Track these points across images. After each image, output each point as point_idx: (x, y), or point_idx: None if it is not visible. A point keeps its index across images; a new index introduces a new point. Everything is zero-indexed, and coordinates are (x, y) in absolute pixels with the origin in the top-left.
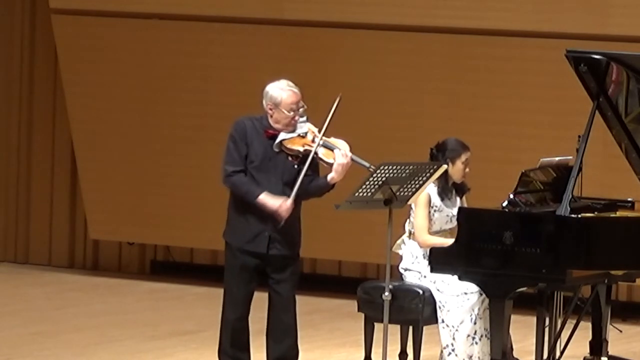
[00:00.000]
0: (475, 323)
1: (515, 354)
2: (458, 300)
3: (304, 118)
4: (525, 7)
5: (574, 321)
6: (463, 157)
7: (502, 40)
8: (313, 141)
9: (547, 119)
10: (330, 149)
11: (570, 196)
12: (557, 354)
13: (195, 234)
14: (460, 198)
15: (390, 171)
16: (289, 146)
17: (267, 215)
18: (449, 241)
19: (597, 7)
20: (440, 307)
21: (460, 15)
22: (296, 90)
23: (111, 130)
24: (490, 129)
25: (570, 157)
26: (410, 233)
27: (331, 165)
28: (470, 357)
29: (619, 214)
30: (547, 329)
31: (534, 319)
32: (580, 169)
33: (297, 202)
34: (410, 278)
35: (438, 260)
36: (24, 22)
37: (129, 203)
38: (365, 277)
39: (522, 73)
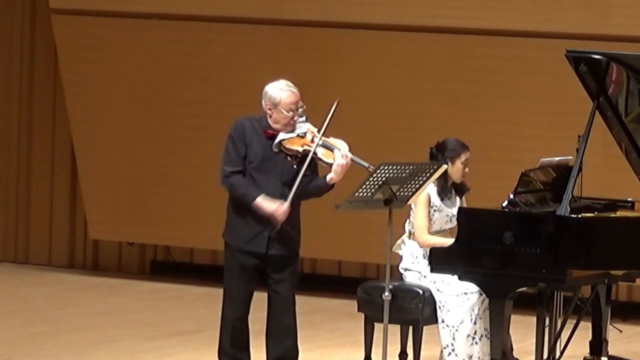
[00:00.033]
0: (475, 323)
1: (515, 354)
2: (458, 300)
3: (303, 118)
4: (525, 7)
5: (574, 321)
6: (463, 157)
7: (502, 40)
8: (312, 141)
9: (547, 119)
10: (330, 149)
11: (570, 196)
12: (557, 354)
13: (195, 234)
14: (460, 198)
15: (390, 171)
16: (288, 146)
17: (266, 216)
18: (449, 241)
19: (597, 7)
20: (440, 307)
21: (460, 15)
22: (295, 90)
23: (111, 130)
24: (490, 129)
25: (570, 157)
26: (410, 233)
27: (330, 165)
28: (470, 357)
29: (619, 214)
30: (547, 329)
31: (534, 319)
32: (580, 169)
33: (296, 202)
34: (410, 278)
35: (438, 260)
36: (24, 22)
37: (129, 203)
38: (365, 277)
39: (522, 73)
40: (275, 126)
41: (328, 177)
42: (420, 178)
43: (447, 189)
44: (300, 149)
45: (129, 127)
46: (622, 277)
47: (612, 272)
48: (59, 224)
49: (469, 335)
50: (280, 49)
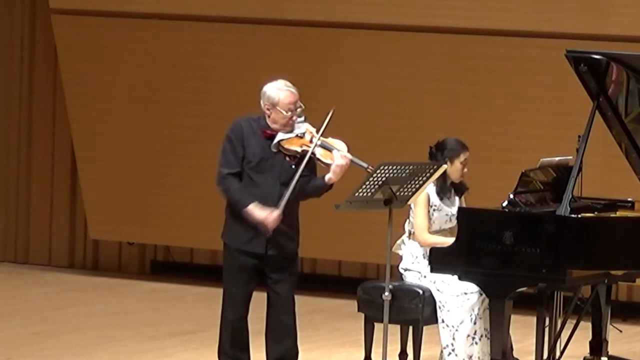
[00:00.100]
0: (475, 323)
1: (515, 354)
2: (458, 300)
3: (302, 118)
4: (525, 7)
5: (574, 321)
6: (462, 157)
7: (502, 40)
8: (311, 141)
9: (547, 119)
10: (328, 149)
11: (570, 196)
12: (557, 354)
13: (195, 234)
14: (459, 198)
15: (390, 171)
16: (286, 146)
17: (255, 222)
18: (449, 240)
19: (597, 7)
20: (440, 307)
21: (460, 15)
22: (294, 90)
23: (111, 130)
24: (490, 129)
25: (570, 157)
26: (410, 233)
27: (329, 165)
28: (470, 357)
29: (619, 214)
30: (547, 329)
31: (534, 319)
32: (580, 169)
33: (294, 203)
34: (410, 278)
35: (438, 260)
36: (24, 22)
37: (129, 203)
38: (365, 277)
39: (522, 73)
40: (273, 126)
41: (326, 178)
42: (420, 178)
43: (446, 188)
44: (298, 149)
45: (129, 127)
46: (622, 277)
47: (612, 272)
48: (59, 224)
49: (469, 335)
50: (280, 49)
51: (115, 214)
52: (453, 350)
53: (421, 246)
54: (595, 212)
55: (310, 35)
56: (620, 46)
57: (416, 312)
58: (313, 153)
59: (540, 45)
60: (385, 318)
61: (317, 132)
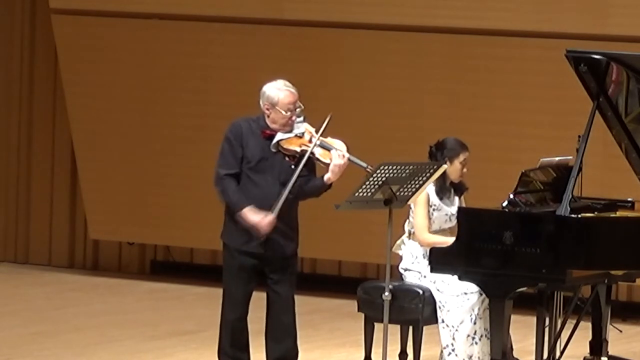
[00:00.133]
0: (475, 323)
1: (515, 354)
2: (458, 300)
3: (301, 118)
4: (525, 7)
5: (574, 321)
6: (461, 157)
7: (502, 40)
8: (310, 141)
9: (547, 119)
10: (328, 149)
11: (570, 196)
12: (557, 354)
13: (195, 234)
14: (459, 197)
15: (390, 171)
16: (286, 146)
17: (249, 226)
18: (449, 240)
19: (597, 7)
20: (440, 307)
21: (460, 15)
22: (293, 90)
23: (111, 130)
24: (490, 129)
25: (570, 157)
26: (409, 233)
27: (328, 165)
28: (470, 357)
29: (619, 214)
30: (547, 329)
31: (534, 319)
32: (580, 169)
33: (293, 202)
34: (410, 278)
35: (438, 260)
36: (24, 22)
37: (129, 203)
38: (365, 277)
39: (522, 73)
40: (273, 126)
41: (325, 177)
42: (420, 178)
43: (445, 188)
44: (298, 149)
45: (129, 127)
46: (622, 277)
47: (612, 272)
48: (59, 224)
49: (469, 335)
50: (280, 49)
51: (115, 214)
52: (453, 350)
53: (421, 246)
54: (595, 212)
55: (310, 35)
56: (620, 46)
57: (416, 312)
58: (312, 153)
59: (540, 45)
60: (385, 318)
61: (317, 132)
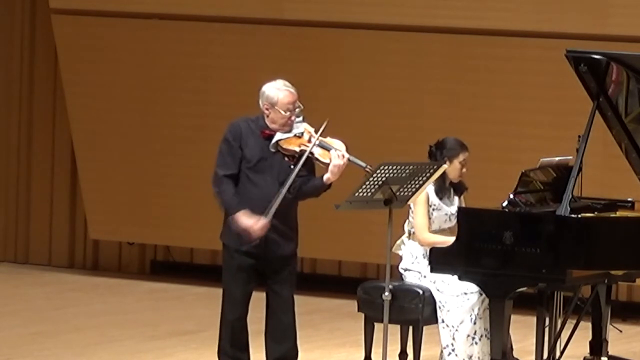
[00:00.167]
0: (475, 323)
1: (515, 354)
2: (458, 300)
3: (300, 118)
4: (525, 7)
5: (574, 321)
6: (461, 157)
7: (502, 40)
8: (309, 141)
9: (547, 119)
10: (327, 149)
11: (570, 196)
12: (557, 354)
13: (195, 234)
14: (459, 197)
15: (390, 171)
16: (285, 146)
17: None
18: (450, 239)
19: (597, 7)
20: (440, 307)
21: (460, 15)
22: (292, 90)
23: (111, 130)
24: (490, 129)
25: (570, 157)
26: (409, 233)
27: (327, 165)
28: (470, 357)
29: (619, 214)
30: (547, 329)
31: (534, 319)
32: (580, 169)
33: (293, 202)
34: (410, 278)
35: (438, 260)
36: (24, 22)
37: (129, 203)
38: (365, 277)
39: (522, 73)
40: (272, 126)
41: (325, 177)
42: (420, 178)
43: (444, 188)
44: (297, 149)
45: (129, 127)
46: (622, 277)
47: (612, 272)
48: (59, 224)
49: (469, 335)
50: (280, 49)
51: (115, 214)
52: (453, 350)
53: (421, 245)
54: (595, 212)
55: (310, 35)
56: (620, 46)
57: (416, 312)
58: (311, 153)
59: (540, 45)
60: (385, 318)
61: (316, 132)
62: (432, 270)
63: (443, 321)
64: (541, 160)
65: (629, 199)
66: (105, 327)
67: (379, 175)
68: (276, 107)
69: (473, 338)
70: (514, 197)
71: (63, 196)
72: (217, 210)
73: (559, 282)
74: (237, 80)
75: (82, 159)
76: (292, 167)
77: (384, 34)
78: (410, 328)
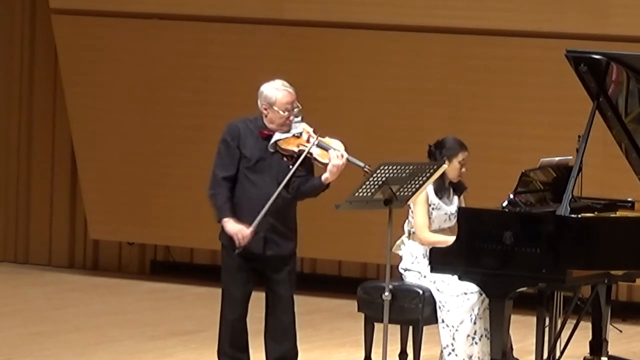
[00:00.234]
0: (475, 323)
1: (515, 354)
2: (458, 300)
3: (299, 118)
4: (525, 7)
5: (574, 321)
6: (460, 157)
7: (502, 40)
8: (308, 141)
9: (547, 119)
10: (326, 149)
11: (570, 196)
12: (557, 354)
13: (195, 234)
14: (459, 197)
15: (390, 171)
16: (283, 146)
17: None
18: (450, 239)
19: (597, 7)
20: (440, 307)
21: (460, 15)
22: (291, 90)
23: (111, 130)
24: (490, 129)
25: (570, 157)
26: (409, 233)
27: (326, 165)
28: (470, 357)
29: (619, 214)
30: (547, 329)
31: (534, 319)
32: (580, 169)
33: (291, 202)
34: (410, 278)
35: (438, 260)
36: (24, 22)
37: (129, 203)
38: (365, 277)
39: (522, 73)
40: (270, 126)
41: (323, 177)
42: (420, 178)
43: (444, 187)
44: (295, 149)
45: (129, 127)
46: (622, 277)
47: (612, 272)
48: (59, 224)
49: (469, 335)
50: (280, 49)
51: (115, 214)
52: (453, 350)
53: (422, 245)
54: (595, 212)
55: (310, 35)
56: (620, 46)
57: (416, 312)
58: (310, 153)
59: (540, 45)
60: (385, 318)
61: (314, 132)
62: (432, 270)
63: (443, 321)
64: (541, 160)
65: (629, 199)
66: (105, 327)
67: (379, 175)
68: (274, 107)
69: (473, 338)
70: (514, 197)
71: (63, 196)
72: None
73: (559, 282)
74: (237, 80)
75: (82, 159)
76: (290, 167)
77: (384, 34)
78: (410, 328)
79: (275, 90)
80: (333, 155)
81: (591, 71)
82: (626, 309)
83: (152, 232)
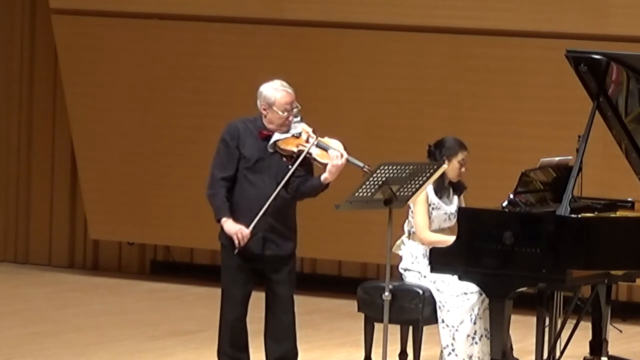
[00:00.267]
0: (475, 323)
1: (515, 354)
2: (458, 300)
3: (298, 118)
4: (525, 7)
5: (574, 321)
6: (460, 156)
7: (502, 40)
8: (307, 141)
9: (547, 119)
10: (325, 149)
11: (570, 196)
12: (557, 354)
13: (195, 234)
14: (458, 197)
15: (390, 171)
16: (283, 147)
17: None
18: (450, 238)
19: (597, 7)
20: (440, 307)
21: (460, 15)
22: (290, 90)
23: (111, 130)
24: (490, 129)
25: (570, 157)
26: (409, 234)
27: (325, 165)
28: (470, 357)
29: (619, 214)
30: (547, 329)
31: (534, 319)
32: (580, 169)
33: (291, 202)
34: (410, 278)
35: (438, 260)
36: (24, 22)
37: (129, 203)
38: (365, 277)
39: (522, 73)
40: (270, 126)
41: (322, 177)
42: (420, 178)
43: (444, 187)
44: (295, 149)
45: (129, 127)
46: (622, 277)
47: (612, 272)
48: (59, 224)
49: (469, 335)
50: (280, 49)
51: (115, 214)
52: (453, 350)
53: (422, 244)
54: (595, 212)
55: (310, 35)
56: (620, 46)
57: (416, 312)
58: (309, 153)
59: (540, 45)
60: (385, 318)
61: (314, 132)
62: (432, 270)
63: (443, 321)
64: (541, 160)
65: (629, 199)
66: (105, 327)
67: (379, 175)
68: (274, 108)
69: (473, 338)
70: (514, 197)
71: (63, 196)
72: None
73: (559, 282)
74: (237, 80)
75: (82, 159)
76: (289, 167)
77: (384, 34)
78: (410, 328)
79: (275, 91)
80: (332, 155)
81: (591, 71)
82: (626, 309)
83: (152, 232)
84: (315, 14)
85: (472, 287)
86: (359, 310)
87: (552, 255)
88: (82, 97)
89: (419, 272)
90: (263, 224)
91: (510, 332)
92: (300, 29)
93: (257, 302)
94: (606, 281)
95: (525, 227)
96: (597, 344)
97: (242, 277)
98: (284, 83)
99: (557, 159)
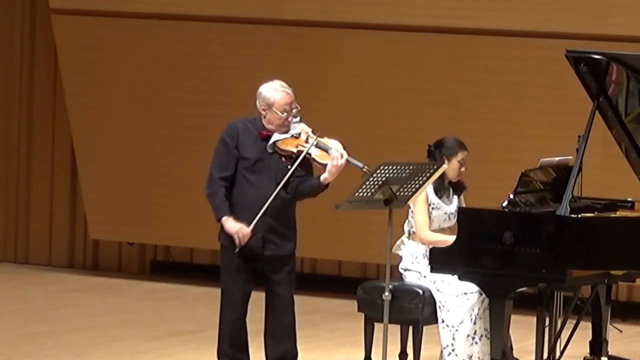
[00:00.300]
0: (475, 323)
1: (515, 354)
2: (458, 300)
3: (298, 119)
4: (525, 7)
5: (574, 321)
6: (459, 156)
7: (502, 40)
8: (306, 142)
9: (547, 119)
10: (324, 149)
11: (570, 196)
12: (557, 354)
13: (195, 234)
14: (458, 197)
15: (390, 171)
16: (282, 147)
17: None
18: (450, 238)
19: (597, 7)
20: (440, 307)
21: (460, 15)
22: (289, 91)
23: (111, 130)
24: (490, 129)
25: (570, 157)
26: (409, 234)
27: (325, 166)
28: (470, 357)
29: (619, 214)
30: (547, 329)
31: (534, 319)
32: (580, 169)
33: (291, 202)
34: (410, 278)
35: (438, 260)
36: (24, 22)
37: (129, 203)
38: (365, 277)
39: (522, 73)
40: (269, 127)
41: (322, 177)
42: (420, 178)
43: (443, 187)
44: (294, 150)
45: (129, 127)
46: (622, 277)
47: (612, 272)
48: (59, 224)
49: (469, 335)
50: (280, 49)
51: (115, 214)
52: (453, 350)
53: (422, 244)
54: (595, 212)
55: (310, 35)
56: (620, 46)
57: (416, 312)
58: (309, 153)
59: (540, 45)
60: (385, 318)
61: (313, 132)
62: (432, 270)
63: (443, 321)
64: (541, 160)
65: (629, 199)
66: (105, 327)
67: (378, 175)
68: (273, 108)
69: (473, 338)
70: (514, 197)
71: (63, 196)
72: None
73: (559, 282)
74: (237, 80)
75: (82, 159)
76: (289, 167)
77: (384, 34)
78: (410, 328)
79: (274, 91)
80: (332, 155)
81: (591, 71)
82: (626, 309)
83: (152, 232)
84: (315, 14)
85: (472, 287)
86: (359, 310)
87: (552, 255)
88: (82, 97)
89: (419, 272)
90: (263, 224)
91: (510, 332)
92: (300, 29)
93: (257, 302)
94: (606, 281)
95: (525, 227)
96: (597, 344)
97: (242, 277)
98: (284, 83)
99: (557, 159)
